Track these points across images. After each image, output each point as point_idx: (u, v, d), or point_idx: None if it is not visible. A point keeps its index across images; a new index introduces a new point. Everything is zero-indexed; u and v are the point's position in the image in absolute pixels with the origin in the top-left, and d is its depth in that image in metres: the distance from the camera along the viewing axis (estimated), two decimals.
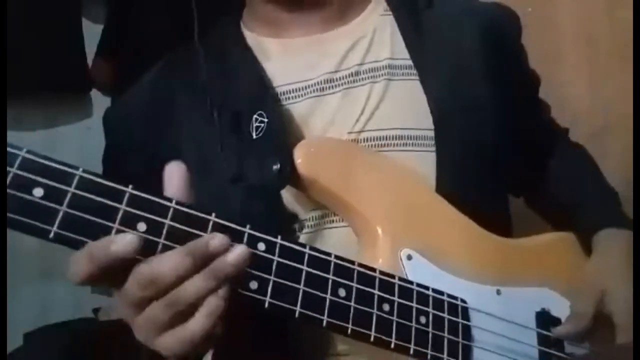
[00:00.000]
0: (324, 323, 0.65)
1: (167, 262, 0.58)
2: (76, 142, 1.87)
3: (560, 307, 0.83)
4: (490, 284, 0.79)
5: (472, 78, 0.87)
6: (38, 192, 0.56)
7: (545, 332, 0.80)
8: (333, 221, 0.81)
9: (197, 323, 0.59)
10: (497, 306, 0.78)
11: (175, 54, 0.94)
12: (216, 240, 0.59)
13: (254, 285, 0.62)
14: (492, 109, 0.87)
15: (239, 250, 0.60)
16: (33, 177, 0.57)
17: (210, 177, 0.81)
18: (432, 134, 0.83)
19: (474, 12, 0.93)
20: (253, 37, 0.91)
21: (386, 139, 0.82)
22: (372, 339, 0.67)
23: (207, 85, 0.83)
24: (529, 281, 0.83)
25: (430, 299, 0.72)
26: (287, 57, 0.88)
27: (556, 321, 0.82)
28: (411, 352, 0.69)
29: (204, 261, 0.59)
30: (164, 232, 0.60)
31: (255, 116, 0.81)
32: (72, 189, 0.58)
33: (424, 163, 0.82)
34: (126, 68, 1.79)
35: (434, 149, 0.82)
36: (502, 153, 0.89)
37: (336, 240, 0.79)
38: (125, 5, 1.85)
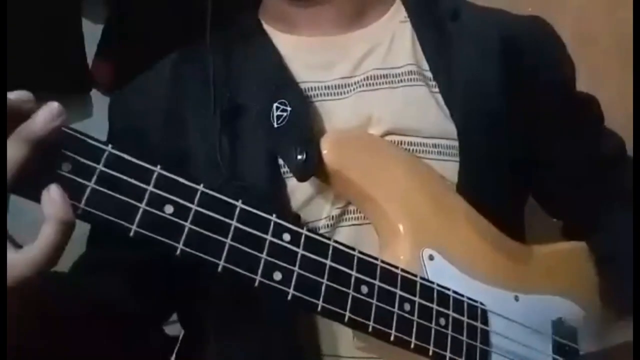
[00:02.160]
0: (346, 319, 0.64)
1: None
2: None
3: (575, 317, 0.82)
4: (509, 289, 0.78)
5: (494, 92, 0.85)
6: (66, 166, 0.55)
7: (563, 341, 0.79)
8: (347, 219, 0.79)
9: (45, 237, 0.52)
10: (515, 312, 0.77)
11: (189, 47, 0.92)
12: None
13: (277, 276, 0.61)
14: (514, 124, 0.85)
15: (51, 107, 0.54)
16: (61, 150, 0.55)
17: (215, 173, 0.78)
18: (452, 143, 0.81)
19: (502, 24, 0.90)
20: (270, 31, 0.90)
21: (407, 145, 0.81)
22: (392, 338, 0.66)
23: (212, 80, 0.82)
24: (546, 289, 0.82)
25: (451, 300, 0.71)
26: (302, 55, 0.87)
27: (572, 330, 0.81)
28: (430, 353, 0.68)
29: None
30: (191, 215, 0.58)
31: (276, 104, 0.79)
32: (100, 166, 0.56)
33: (444, 171, 0.81)
34: (126, 68, 1.77)
35: (453, 158, 0.81)
36: (525, 167, 0.88)
37: (346, 239, 0.75)
38: (126, 4, 1.83)
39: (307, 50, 0.87)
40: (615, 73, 1.35)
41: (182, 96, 0.86)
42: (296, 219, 0.77)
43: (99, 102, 1.92)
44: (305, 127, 0.78)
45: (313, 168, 0.74)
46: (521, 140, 0.87)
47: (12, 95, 0.54)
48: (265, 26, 0.91)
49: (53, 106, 0.54)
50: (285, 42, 0.88)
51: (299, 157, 0.73)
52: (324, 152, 0.74)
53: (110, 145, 0.57)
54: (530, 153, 0.89)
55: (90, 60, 1.85)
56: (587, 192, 0.94)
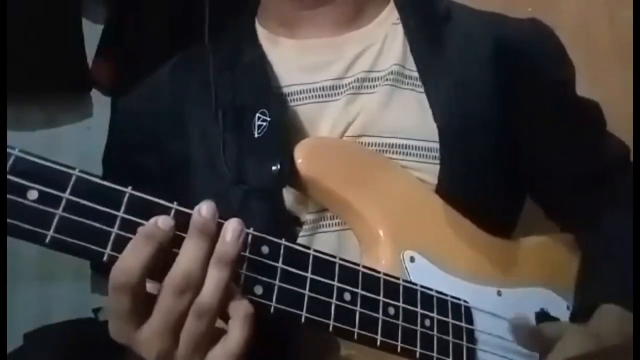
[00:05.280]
0: (331, 327, 0.62)
1: (187, 254, 0.57)
2: (76, 142, 1.85)
3: (557, 307, 0.82)
4: (491, 285, 0.78)
5: (483, 95, 0.83)
6: (32, 194, 0.53)
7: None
8: (325, 225, 0.78)
9: (237, 331, 0.58)
10: (499, 307, 0.76)
11: (189, 50, 0.91)
12: (203, 212, 0.58)
13: (259, 290, 0.60)
14: (503, 128, 0.83)
15: (233, 226, 0.58)
16: (27, 178, 0.53)
17: (216, 177, 0.78)
18: (435, 146, 0.80)
19: (496, 27, 0.88)
20: (266, 34, 0.89)
21: (386, 146, 0.79)
22: (378, 343, 0.65)
23: (213, 84, 0.81)
24: (528, 281, 0.81)
25: (435, 300, 0.70)
26: (296, 57, 0.85)
27: (554, 321, 0.80)
28: (417, 355, 0.67)
29: (211, 238, 0.57)
30: None
31: (258, 114, 0.79)
32: (67, 193, 0.54)
33: (423, 174, 0.79)
34: (126, 68, 1.78)
35: (435, 161, 0.80)
36: (519, 171, 0.86)
37: (328, 244, 0.76)
38: (126, 5, 1.83)
39: (301, 52, 0.86)
40: (615, 73, 1.32)
41: (182, 99, 0.85)
42: (295, 221, 0.77)
43: (99, 102, 1.94)
44: (282, 137, 0.76)
45: (287, 178, 0.72)
46: (516, 144, 0.84)
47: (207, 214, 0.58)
48: (261, 29, 0.90)
49: (235, 225, 0.59)
50: (279, 45, 0.87)
51: (273, 167, 0.72)
52: (298, 161, 0.72)
53: (77, 170, 0.55)
54: (526, 157, 0.86)
55: (90, 60, 1.88)
56: (584, 199, 0.91)
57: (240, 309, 0.58)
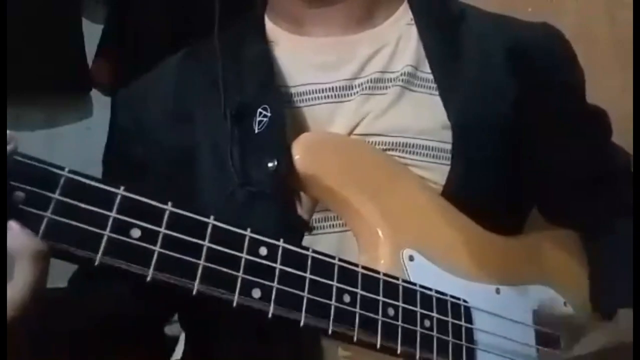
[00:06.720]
0: (330, 331, 0.61)
1: None
2: (76, 142, 1.84)
3: (555, 304, 0.81)
4: (490, 283, 0.76)
5: (496, 96, 0.82)
6: (19, 195, 0.50)
7: (544, 330, 0.78)
8: (326, 226, 0.77)
9: (22, 273, 0.50)
10: (497, 305, 0.75)
11: (197, 46, 0.89)
12: None
13: (256, 293, 0.58)
14: (516, 130, 0.82)
15: None
16: (13, 179, 0.50)
17: (223, 178, 0.75)
18: (445, 146, 0.78)
19: (509, 29, 0.87)
20: (275, 30, 0.87)
21: (392, 145, 0.78)
22: (378, 346, 0.63)
23: (222, 83, 0.79)
24: (526, 279, 0.80)
25: (434, 299, 0.69)
26: (308, 56, 0.83)
27: (552, 318, 0.79)
28: (417, 357, 0.65)
29: None
30: (160, 238, 0.54)
31: (259, 110, 0.76)
32: (56, 194, 0.51)
33: (429, 172, 0.78)
34: (126, 68, 1.77)
35: (444, 161, 0.78)
36: (526, 175, 0.84)
37: (329, 246, 0.74)
38: (125, 5, 1.83)
39: (313, 50, 0.84)
40: (615, 73, 1.32)
41: (189, 95, 0.83)
42: (304, 225, 0.74)
43: (99, 102, 1.93)
44: (281, 133, 0.74)
45: (284, 177, 0.70)
46: (524, 146, 0.83)
47: None
48: (271, 26, 0.87)
49: None
50: (290, 43, 0.85)
51: (270, 164, 0.70)
52: (296, 157, 0.70)
53: (67, 169, 0.52)
54: (533, 160, 0.85)
55: (90, 60, 1.87)
56: (584, 203, 0.90)
57: (24, 245, 0.50)
